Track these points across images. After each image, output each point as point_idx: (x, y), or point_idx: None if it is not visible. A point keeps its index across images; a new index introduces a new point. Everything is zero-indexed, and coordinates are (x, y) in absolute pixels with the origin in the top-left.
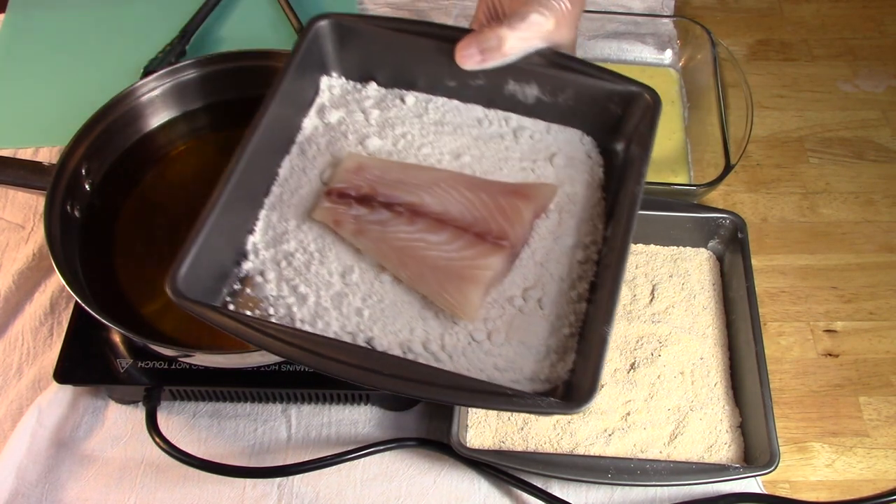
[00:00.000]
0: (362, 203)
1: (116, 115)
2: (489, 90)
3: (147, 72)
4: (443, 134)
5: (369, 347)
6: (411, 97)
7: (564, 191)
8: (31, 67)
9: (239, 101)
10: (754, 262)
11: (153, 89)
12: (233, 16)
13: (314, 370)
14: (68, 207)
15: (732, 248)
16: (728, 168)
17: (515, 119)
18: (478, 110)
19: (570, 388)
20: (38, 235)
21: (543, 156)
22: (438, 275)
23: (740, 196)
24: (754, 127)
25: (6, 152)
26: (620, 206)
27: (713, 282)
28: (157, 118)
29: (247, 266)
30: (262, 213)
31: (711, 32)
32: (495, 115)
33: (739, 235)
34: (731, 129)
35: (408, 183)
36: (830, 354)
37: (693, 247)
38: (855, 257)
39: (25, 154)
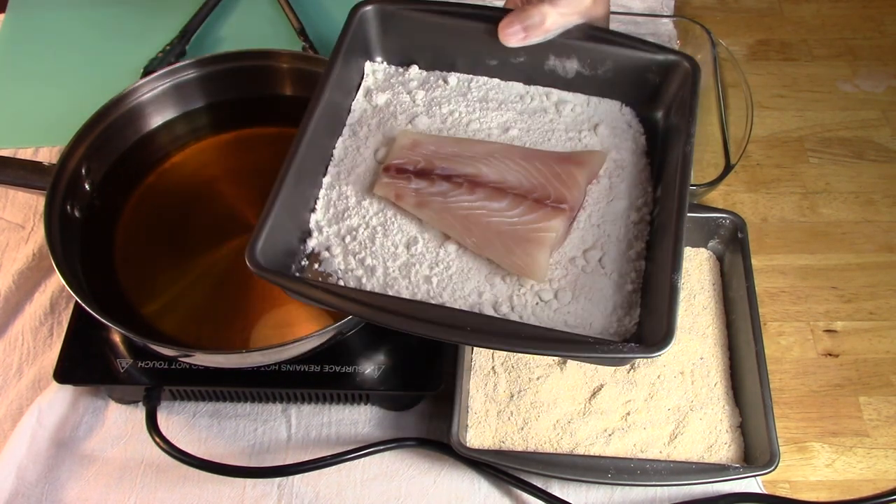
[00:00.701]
0: (421, 177)
1: (116, 115)
2: (529, 67)
3: (147, 72)
4: (489, 110)
5: (452, 307)
6: (454, 77)
7: (612, 157)
8: (31, 67)
9: (239, 101)
10: (754, 262)
11: (153, 89)
12: (233, 16)
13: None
14: (68, 207)
15: (732, 248)
16: (728, 168)
17: (556, 93)
18: (519, 87)
19: (641, 339)
20: (38, 235)
21: (587, 126)
22: (504, 239)
23: (740, 196)
24: (754, 127)
25: (6, 152)
26: (671, 166)
27: (713, 282)
28: (157, 118)
29: (312, 243)
30: (322, 193)
31: (711, 32)
32: (536, 90)
33: (739, 235)
34: (731, 129)
35: (463, 156)
36: (830, 354)
37: (693, 247)
38: (855, 257)
39: (25, 154)
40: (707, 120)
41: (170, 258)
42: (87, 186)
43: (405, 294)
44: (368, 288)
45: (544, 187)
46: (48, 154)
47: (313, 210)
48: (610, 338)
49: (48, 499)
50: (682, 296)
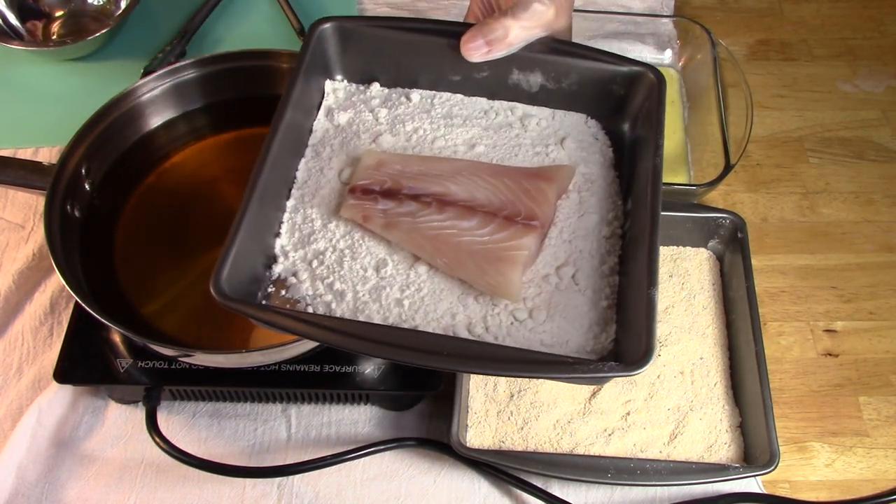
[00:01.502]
0: (388, 197)
1: (116, 115)
2: (492, 82)
3: (147, 72)
4: (453, 127)
5: (426, 331)
6: (416, 94)
7: (580, 171)
8: (30, 67)
9: (238, 101)
10: (754, 261)
11: (153, 89)
12: (233, 16)
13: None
14: (68, 207)
15: (732, 248)
16: (728, 168)
17: (521, 108)
18: (482, 102)
19: (618, 356)
20: (38, 235)
21: (554, 140)
22: (476, 259)
23: (740, 196)
24: (754, 127)
25: (6, 152)
26: (641, 179)
27: (713, 282)
28: (156, 118)
29: (278, 268)
30: (286, 216)
31: (711, 32)
32: (500, 105)
33: (739, 235)
34: (730, 129)
35: (430, 174)
36: (830, 354)
37: (693, 246)
38: (855, 257)
39: (25, 154)
40: (707, 120)
41: (170, 258)
42: (87, 186)
43: (376, 318)
44: (338, 313)
45: (514, 204)
46: (48, 154)
47: (278, 234)
48: (587, 356)
49: (48, 499)
50: (683, 296)
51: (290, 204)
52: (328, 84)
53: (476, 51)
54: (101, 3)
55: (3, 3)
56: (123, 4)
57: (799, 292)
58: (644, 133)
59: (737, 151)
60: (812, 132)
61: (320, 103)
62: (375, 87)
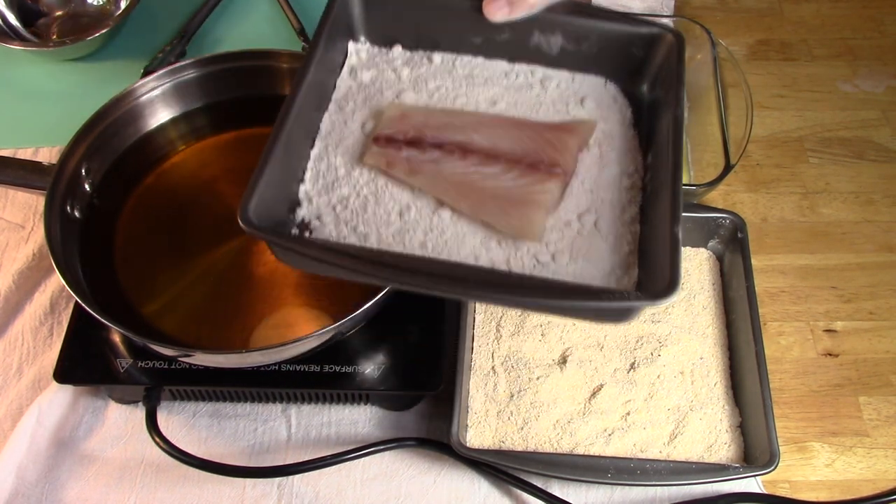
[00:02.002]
0: (412, 145)
1: (116, 115)
2: (513, 44)
3: (147, 72)
4: (475, 86)
5: (458, 261)
6: (438, 56)
7: (600, 128)
8: (30, 67)
9: (238, 101)
10: (754, 261)
11: (153, 89)
12: (233, 16)
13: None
14: (68, 207)
15: (732, 248)
16: (728, 168)
17: (540, 70)
18: (503, 64)
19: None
20: (38, 235)
21: (574, 100)
22: (500, 202)
23: (740, 196)
24: (754, 127)
25: (6, 152)
26: (662, 130)
27: (713, 281)
28: (156, 118)
29: (302, 212)
30: (310, 164)
31: (711, 32)
32: (520, 67)
33: (739, 235)
34: (730, 129)
35: (453, 125)
36: (830, 354)
37: (693, 247)
38: (855, 257)
39: (25, 154)
40: (707, 120)
41: (170, 258)
42: (86, 186)
43: None
44: None
45: (537, 153)
46: (48, 154)
47: (302, 181)
48: None
49: (48, 499)
50: (683, 296)
51: (314, 153)
52: (351, 45)
53: (498, 11)
54: (101, 3)
55: (3, 3)
56: (123, 4)
57: (799, 292)
58: (663, 93)
59: (737, 151)
60: (812, 132)
61: (343, 63)
62: (398, 49)
